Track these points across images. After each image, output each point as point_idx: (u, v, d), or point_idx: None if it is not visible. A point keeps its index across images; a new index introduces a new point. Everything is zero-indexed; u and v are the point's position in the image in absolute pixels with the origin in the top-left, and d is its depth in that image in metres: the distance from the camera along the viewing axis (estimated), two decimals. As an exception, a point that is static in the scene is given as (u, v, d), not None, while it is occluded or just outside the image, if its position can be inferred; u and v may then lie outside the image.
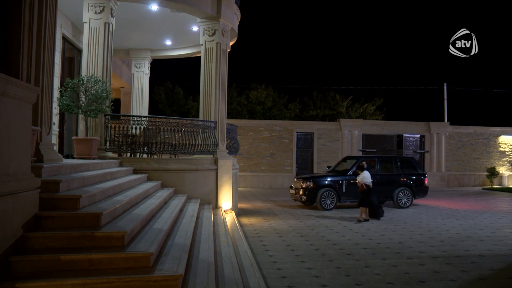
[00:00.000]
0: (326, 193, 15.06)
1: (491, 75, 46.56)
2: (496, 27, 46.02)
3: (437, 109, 32.19)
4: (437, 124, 26.08)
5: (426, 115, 36.14)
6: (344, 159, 17.55)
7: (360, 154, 24.86)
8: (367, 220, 12.48)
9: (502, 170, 26.80)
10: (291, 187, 16.06)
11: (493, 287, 6.41)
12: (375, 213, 12.87)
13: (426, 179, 16.87)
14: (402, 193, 15.98)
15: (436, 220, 12.82)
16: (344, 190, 15.26)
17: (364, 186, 12.75)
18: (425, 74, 49.18)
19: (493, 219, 13.17)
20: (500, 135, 26.92)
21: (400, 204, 15.83)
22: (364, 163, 13.31)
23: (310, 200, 15.05)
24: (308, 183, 15.15)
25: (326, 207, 14.94)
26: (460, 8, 49.54)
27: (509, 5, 45.54)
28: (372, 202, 12.78)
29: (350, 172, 15.55)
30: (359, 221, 12.40)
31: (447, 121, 28.07)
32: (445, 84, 30.12)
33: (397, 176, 16.26)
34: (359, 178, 13.04)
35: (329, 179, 15.47)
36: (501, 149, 26.84)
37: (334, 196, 15.13)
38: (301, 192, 15.24)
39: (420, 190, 16.49)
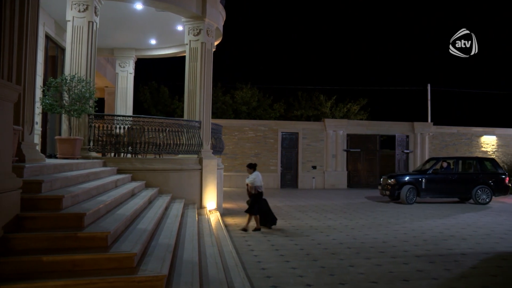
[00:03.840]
0: (408, 189, 16.82)
1: (474, 76, 47.14)
2: (478, 29, 46.60)
3: (420, 110, 32.48)
4: (421, 124, 26.30)
5: (410, 115, 36.40)
6: (428, 160, 19.08)
7: (344, 154, 25.02)
8: (258, 230, 10.68)
9: (484, 170, 27.12)
10: (379, 184, 18.25)
11: (475, 285, 6.49)
12: (266, 221, 11.08)
13: (507, 178, 17.84)
14: (480, 190, 17.19)
15: (420, 219, 12.94)
16: (423, 187, 17.06)
17: (254, 190, 10.96)
18: (409, 75, 49.60)
19: (475, 218, 13.35)
20: (482, 135, 27.25)
21: (479, 200, 17.11)
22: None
23: (393, 195, 17.05)
24: (391, 180, 17.21)
25: (409, 201, 16.73)
26: (442, 9, 50.11)
27: (491, 7, 46.21)
28: (261, 209, 10.97)
29: (429, 171, 17.35)
30: (245, 230, 10.73)
31: (431, 121, 28.34)
32: (429, 85, 30.41)
33: (475, 175, 17.59)
34: (248, 180, 11.11)
35: (410, 177, 17.39)
36: (483, 149, 27.19)
37: (414, 192, 16.88)
38: (387, 188, 17.34)
39: (499, 188, 17.61)
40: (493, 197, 17.30)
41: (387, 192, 17.32)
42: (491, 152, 27.20)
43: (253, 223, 10.90)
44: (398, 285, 6.39)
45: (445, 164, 17.60)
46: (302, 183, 24.32)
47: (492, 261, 8.06)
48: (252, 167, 11.20)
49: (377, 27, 53.35)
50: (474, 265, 7.66)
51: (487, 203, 17.00)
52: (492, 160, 18.48)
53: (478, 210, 15.50)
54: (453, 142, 26.85)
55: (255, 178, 11.00)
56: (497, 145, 27.33)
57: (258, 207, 10.86)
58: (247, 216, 11.02)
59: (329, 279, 6.59)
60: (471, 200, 17.48)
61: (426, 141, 26.13)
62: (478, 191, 17.13)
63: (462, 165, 18.14)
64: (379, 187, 18.19)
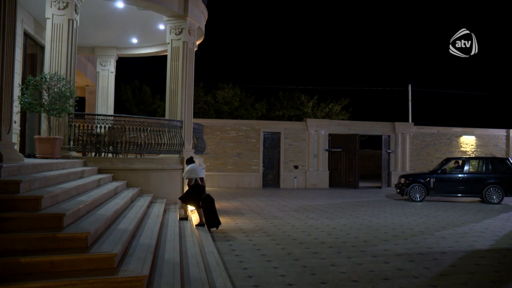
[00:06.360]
0: (415, 188, 17.68)
1: (455, 77, 47.83)
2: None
3: (401, 110, 32.85)
4: (402, 124, 26.55)
5: (391, 115, 36.83)
6: (446, 159, 19.14)
7: (326, 154, 25.12)
8: (202, 225, 10.27)
9: (463, 169, 27.50)
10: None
11: (453, 283, 6.58)
12: (208, 222, 10.25)
13: None
14: (491, 190, 17.38)
15: (400, 218, 13.07)
16: (432, 186, 17.67)
17: (189, 183, 10.56)
18: (390, 75, 50.11)
19: (455, 217, 13.53)
20: (461, 135, 27.64)
21: (489, 200, 17.31)
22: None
23: (401, 192, 18.04)
24: (401, 179, 18.28)
25: (415, 199, 17.68)
26: (423, 10, 50.69)
27: (469, 8, 46.86)
28: (207, 207, 10.27)
29: (438, 171, 17.92)
30: (182, 218, 10.38)
31: (412, 121, 28.65)
32: (410, 85, 30.76)
33: (486, 175, 17.66)
34: (183, 174, 10.94)
35: (419, 176, 18.11)
36: (462, 149, 27.57)
37: (423, 190, 17.64)
38: (399, 186, 18.30)
39: None
40: (506, 197, 17.30)
41: (398, 190, 18.27)
42: (470, 152, 27.61)
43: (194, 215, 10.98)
44: (379, 283, 6.44)
45: (456, 164, 18.05)
46: (284, 182, 24.36)
47: (470, 259, 8.19)
48: (187, 162, 11.09)
49: (359, 28, 53.79)
50: (453, 263, 7.77)
51: (498, 202, 17.14)
52: (506, 160, 18.38)
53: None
54: (434, 142, 27.17)
55: (188, 170, 10.62)
56: (476, 145, 27.75)
57: (190, 197, 10.43)
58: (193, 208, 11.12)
59: (311, 279, 6.61)
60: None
61: (407, 141, 26.39)
62: (489, 190, 17.29)
63: (474, 165, 18.26)
64: (395, 185, 19.20)
